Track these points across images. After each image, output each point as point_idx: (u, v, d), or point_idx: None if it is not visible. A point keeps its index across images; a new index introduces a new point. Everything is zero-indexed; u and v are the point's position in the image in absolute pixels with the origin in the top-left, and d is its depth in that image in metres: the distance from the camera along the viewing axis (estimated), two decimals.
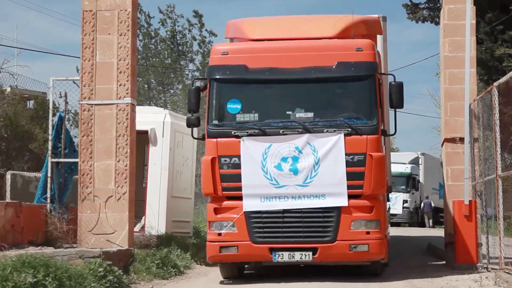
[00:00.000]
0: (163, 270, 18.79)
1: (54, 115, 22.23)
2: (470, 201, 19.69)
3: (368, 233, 17.06)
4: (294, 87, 17.78)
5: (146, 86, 50.06)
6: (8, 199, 23.50)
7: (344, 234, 17.02)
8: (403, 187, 44.47)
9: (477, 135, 20.04)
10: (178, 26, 57.09)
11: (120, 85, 19.38)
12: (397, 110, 17.72)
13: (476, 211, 19.55)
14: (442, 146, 21.98)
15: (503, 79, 17.43)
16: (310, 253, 16.75)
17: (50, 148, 20.32)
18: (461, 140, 20.47)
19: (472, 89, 20.26)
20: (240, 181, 16.83)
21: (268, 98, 17.84)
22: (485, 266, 19.03)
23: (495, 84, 17.69)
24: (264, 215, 17.18)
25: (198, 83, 18.02)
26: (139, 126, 20.16)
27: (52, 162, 20.22)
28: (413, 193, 44.24)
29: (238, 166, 17.00)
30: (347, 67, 17.09)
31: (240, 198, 16.84)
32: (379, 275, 17.38)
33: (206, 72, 17.61)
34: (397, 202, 42.50)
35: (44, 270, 13.71)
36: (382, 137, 17.10)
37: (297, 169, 17.29)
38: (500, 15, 33.69)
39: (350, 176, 17.12)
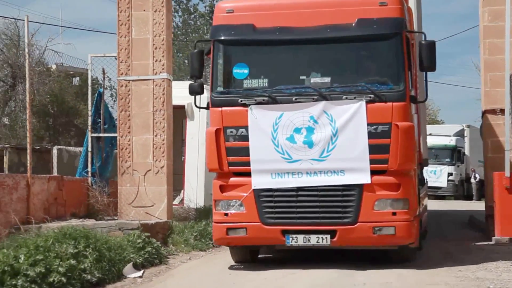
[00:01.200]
0: (200, 242, 15.35)
1: (94, 91, 18.65)
2: (511, 173, 14.76)
3: (394, 214, 11.67)
4: (308, 49, 12.27)
5: (186, 61, 42.96)
6: (55, 174, 20.35)
7: (366, 215, 11.69)
8: (448, 160, 35.99)
9: None
10: (216, 1, 48.25)
11: (156, 61, 15.62)
12: (429, 75, 12.49)
13: None
14: (482, 117, 17.78)
15: None
16: (328, 236, 11.73)
17: (90, 123, 17.11)
18: (502, 111, 15.66)
19: None
20: (248, 155, 11.95)
21: (279, 61, 12.46)
22: None
23: None
24: (275, 193, 12.01)
25: (201, 46, 12.78)
26: (176, 101, 16.86)
27: (92, 137, 16.96)
28: (458, 166, 36.23)
29: (245, 138, 12.01)
30: (369, 25, 11.82)
31: (248, 174, 12.01)
32: (410, 261, 12.44)
33: (210, 33, 12.75)
34: (442, 175, 34.63)
35: (84, 241, 11.54)
36: (412, 104, 12.24)
37: (312, 142, 11.78)
38: None
39: (373, 149, 11.69)
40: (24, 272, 10.02)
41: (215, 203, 12.14)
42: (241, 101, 11.75)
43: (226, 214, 11.92)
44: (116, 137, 16.11)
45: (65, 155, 23.28)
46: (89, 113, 16.98)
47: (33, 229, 13.09)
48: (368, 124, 11.41)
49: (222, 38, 12.03)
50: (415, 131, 13.02)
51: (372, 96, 11.42)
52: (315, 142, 11.48)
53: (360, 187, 11.50)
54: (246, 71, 11.87)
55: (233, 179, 11.94)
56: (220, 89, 12.09)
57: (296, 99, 11.63)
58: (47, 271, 10.27)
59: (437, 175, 33.65)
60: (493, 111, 16.50)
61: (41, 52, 32.89)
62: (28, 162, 14.90)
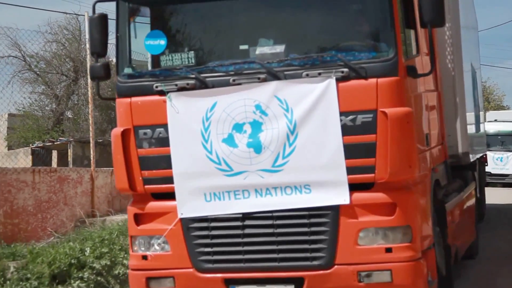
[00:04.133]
0: None
1: None
2: None
3: (389, 250, 7.47)
4: (251, 3, 8.08)
5: None
6: None
7: (347, 253, 7.51)
8: None
9: None
10: None
11: None
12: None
13: None
14: None
15: None
16: (292, 287, 7.61)
17: None
18: None
19: None
20: (171, 167, 7.83)
21: (210, 25, 8.27)
22: None
23: None
24: (212, 224, 7.89)
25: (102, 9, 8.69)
26: None
27: None
28: None
29: (166, 141, 7.90)
30: None
31: (173, 196, 7.90)
32: None
33: None
34: (509, 162, 31.69)
35: None
36: (414, 80, 7.93)
37: (260, 144, 7.60)
38: None
39: (351, 151, 7.46)
40: (90, 265, 10.54)
41: (131, 241, 8.21)
42: (157, 87, 7.75)
43: (144, 257, 7.98)
44: None
45: None
46: None
47: (98, 222, 13.60)
48: (342, 113, 7.30)
49: None
50: (434, 117, 8.96)
51: (346, 69, 7.27)
52: (265, 144, 7.44)
53: (335, 210, 7.40)
54: (163, 42, 7.82)
55: (152, 204, 7.99)
56: (128, 70, 8.05)
57: (234, 80, 7.55)
58: (112, 264, 10.74)
59: (504, 162, 31.56)
60: None
61: None
62: (92, 155, 14.96)
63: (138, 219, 8.04)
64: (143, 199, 8.06)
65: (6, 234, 12.47)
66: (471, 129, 13.82)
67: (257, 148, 7.50)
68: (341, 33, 7.81)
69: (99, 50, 8.16)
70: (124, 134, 7.91)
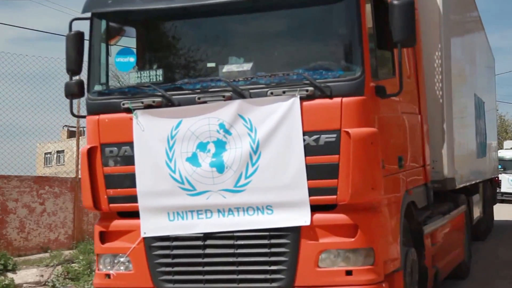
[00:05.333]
0: None
1: None
2: None
3: (349, 273, 7.29)
4: (219, 21, 7.99)
5: None
6: None
7: (307, 275, 7.32)
8: None
9: None
10: None
11: None
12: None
13: None
14: None
15: None
16: None
17: None
18: None
19: None
20: (135, 186, 7.78)
21: (179, 43, 8.22)
22: None
23: None
24: (174, 243, 7.78)
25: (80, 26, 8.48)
26: None
27: None
28: None
29: (131, 160, 7.83)
30: None
31: (138, 214, 7.82)
32: None
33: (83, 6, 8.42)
34: None
35: None
36: (386, 101, 7.80)
37: (223, 164, 7.52)
38: None
39: (313, 172, 7.29)
40: None
41: (97, 259, 8.12)
42: (124, 104, 7.71)
43: (108, 276, 7.91)
44: None
45: None
46: None
47: None
48: (305, 133, 7.16)
49: (97, 10, 7.91)
50: (414, 140, 8.80)
51: (311, 88, 7.14)
52: (227, 163, 7.33)
53: (296, 232, 7.24)
54: (132, 59, 7.86)
55: (117, 223, 7.91)
56: (98, 87, 8.03)
57: (200, 98, 7.46)
58: None
59: None
60: None
61: None
62: None
63: (104, 237, 7.98)
64: (109, 217, 8.00)
65: None
66: (471, 155, 13.84)
67: (220, 167, 7.40)
68: (310, 52, 7.68)
69: (74, 67, 8.10)
70: (91, 152, 7.88)
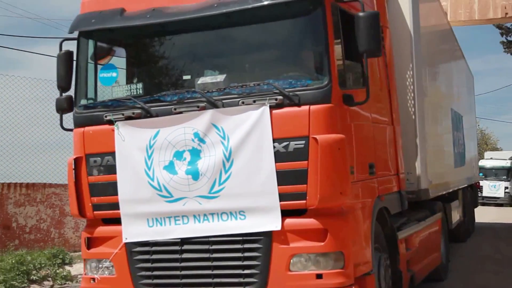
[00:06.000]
0: None
1: None
2: None
3: (319, 276, 6.15)
4: (194, 36, 6.96)
5: None
6: None
7: (279, 279, 6.23)
8: (505, 177, 38.86)
9: None
10: None
11: None
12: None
13: None
14: None
15: None
16: None
17: None
18: None
19: None
20: (117, 194, 6.81)
21: (156, 56, 7.25)
22: None
23: None
24: (153, 248, 6.77)
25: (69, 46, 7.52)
26: None
27: None
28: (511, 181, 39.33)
29: (113, 169, 6.89)
30: None
31: (120, 221, 6.87)
32: None
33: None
34: (500, 188, 37.92)
35: None
36: (356, 109, 6.82)
37: (197, 171, 6.47)
38: None
39: (283, 177, 6.22)
40: None
41: (84, 264, 7.20)
42: (106, 116, 6.84)
43: (93, 280, 7.00)
44: None
45: None
46: None
47: None
48: (275, 140, 6.23)
49: (81, 29, 7.08)
50: (386, 148, 7.80)
51: (280, 97, 6.23)
52: (202, 171, 6.40)
53: (268, 236, 6.29)
54: (114, 74, 6.99)
55: (101, 229, 7.02)
56: (84, 101, 7.18)
57: (176, 109, 6.58)
58: None
59: (496, 188, 37.48)
60: None
61: None
62: None
63: (89, 243, 7.08)
64: (94, 223, 7.09)
65: None
66: (448, 164, 12.80)
67: (195, 175, 6.46)
68: (281, 63, 6.75)
69: (63, 84, 7.24)
70: (77, 162, 7.01)
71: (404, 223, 8.61)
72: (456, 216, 13.78)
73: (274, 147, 6.25)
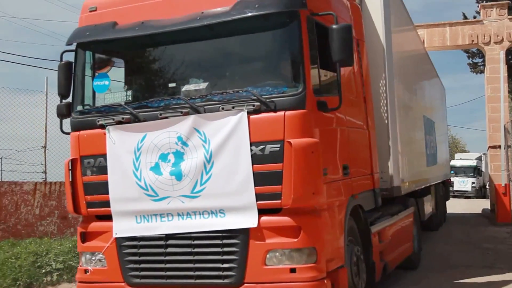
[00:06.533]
0: None
1: None
2: (505, 184, 18.23)
3: (293, 270, 5.71)
4: (179, 47, 6.48)
5: None
6: None
7: (255, 272, 5.78)
8: (472, 174, 39.98)
9: (510, 144, 18.38)
10: None
11: None
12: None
13: (509, 190, 18.12)
14: (487, 150, 20.20)
15: None
16: None
17: None
18: (499, 147, 18.80)
19: (505, 116, 18.91)
20: (108, 193, 6.37)
21: (145, 66, 6.81)
22: None
23: None
24: (140, 243, 6.31)
25: (68, 56, 7.07)
26: None
27: None
28: (477, 178, 40.15)
29: (105, 169, 6.43)
30: (251, 6, 5.95)
31: (111, 217, 6.41)
32: None
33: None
34: (467, 184, 38.92)
35: None
36: (331, 115, 6.37)
37: (180, 172, 5.98)
38: None
39: (260, 179, 5.76)
40: None
41: (80, 256, 6.80)
42: (99, 121, 6.44)
43: (86, 271, 6.58)
44: None
45: None
46: None
47: None
48: (253, 144, 5.81)
49: (77, 41, 6.68)
50: (361, 151, 7.41)
51: (257, 103, 5.81)
52: (185, 172, 5.99)
53: (245, 233, 5.88)
54: (107, 82, 6.56)
55: (95, 224, 6.60)
56: (80, 107, 6.77)
57: (161, 114, 6.16)
58: None
59: (465, 183, 38.44)
60: (494, 147, 18.87)
61: None
62: None
63: (84, 237, 6.67)
64: (89, 220, 6.67)
65: None
66: (421, 164, 12.36)
67: (178, 176, 6.05)
68: (259, 71, 6.28)
69: (63, 92, 6.85)
70: (72, 163, 6.61)
71: (378, 218, 8.20)
72: (428, 209, 13.40)
73: (251, 150, 5.85)
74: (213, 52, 6.40)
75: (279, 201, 5.77)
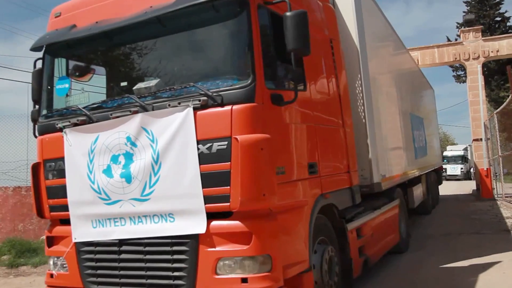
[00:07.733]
0: None
1: None
2: (487, 168, 17.82)
3: (245, 280, 3.60)
4: (131, 45, 4.38)
5: None
6: None
7: (206, 282, 3.68)
8: (460, 161, 37.85)
9: (488, 137, 18.19)
10: None
11: None
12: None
13: (490, 173, 17.82)
14: (472, 142, 19.26)
15: (498, 110, 17.02)
16: None
17: None
18: (481, 139, 18.29)
19: (484, 115, 18.32)
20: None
21: (102, 66, 4.73)
22: (496, 199, 16.83)
23: (495, 112, 17.08)
24: (97, 248, 4.33)
25: (40, 64, 4.97)
26: None
27: None
28: (465, 164, 37.73)
29: (64, 173, 4.44)
30: None
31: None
32: None
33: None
34: (457, 169, 36.65)
35: None
36: (292, 110, 4.11)
37: (130, 174, 3.96)
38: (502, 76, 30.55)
39: (208, 179, 3.69)
40: None
41: (48, 260, 4.99)
42: (57, 124, 4.69)
43: (51, 276, 4.80)
44: None
45: None
46: None
47: None
48: (200, 142, 3.94)
49: (37, 45, 4.86)
50: (333, 148, 5.32)
51: (204, 98, 3.95)
52: (134, 174, 4.17)
53: (194, 239, 4.00)
54: (67, 85, 4.78)
55: (58, 229, 4.83)
56: (44, 112, 4.99)
57: (112, 114, 4.36)
58: None
59: (455, 169, 36.31)
60: (477, 139, 18.25)
61: None
62: None
63: (50, 241, 4.89)
64: (54, 224, 4.89)
65: None
66: (410, 157, 10.17)
67: (128, 178, 4.23)
68: (210, 64, 4.36)
69: (36, 98, 5.12)
70: (35, 167, 4.87)
71: (359, 213, 6.10)
72: (418, 196, 11.09)
73: (198, 148, 3.96)
74: (165, 48, 4.52)
75: (228, 204, 3.86)
